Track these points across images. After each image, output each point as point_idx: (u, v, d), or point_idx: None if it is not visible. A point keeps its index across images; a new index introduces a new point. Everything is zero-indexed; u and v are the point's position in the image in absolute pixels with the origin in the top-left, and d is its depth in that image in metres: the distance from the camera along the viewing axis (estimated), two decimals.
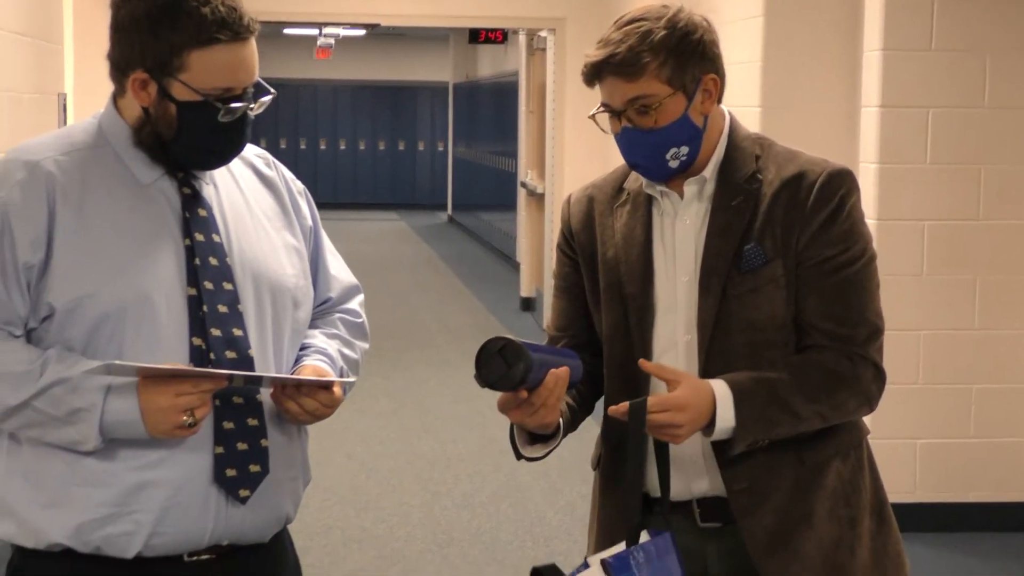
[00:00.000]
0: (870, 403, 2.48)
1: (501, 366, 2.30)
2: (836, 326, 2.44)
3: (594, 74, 2.43)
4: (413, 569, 5.58)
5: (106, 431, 2.25)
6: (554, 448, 2.49)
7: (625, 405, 2.34)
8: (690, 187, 2.50)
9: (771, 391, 2.40)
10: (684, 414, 2.34)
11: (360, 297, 2.64)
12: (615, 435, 2.53)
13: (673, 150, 2.44)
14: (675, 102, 2.42)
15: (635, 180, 2.56)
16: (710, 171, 2.50)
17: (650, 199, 2.54)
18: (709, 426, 2.38)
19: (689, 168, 2.49)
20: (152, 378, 2.24)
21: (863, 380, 2.45)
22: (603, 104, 2.46)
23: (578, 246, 2.60)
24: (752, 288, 2.44)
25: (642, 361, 2.42)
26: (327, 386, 2.36)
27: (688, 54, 2.42)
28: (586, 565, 2.31)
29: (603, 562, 2.33)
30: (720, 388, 2.38)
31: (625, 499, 2.38)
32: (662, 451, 2.42)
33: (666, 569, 2.34)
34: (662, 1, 2.50)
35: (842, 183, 2.46)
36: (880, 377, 2.48)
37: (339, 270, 2.61)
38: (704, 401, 2.36)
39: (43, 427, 2.27)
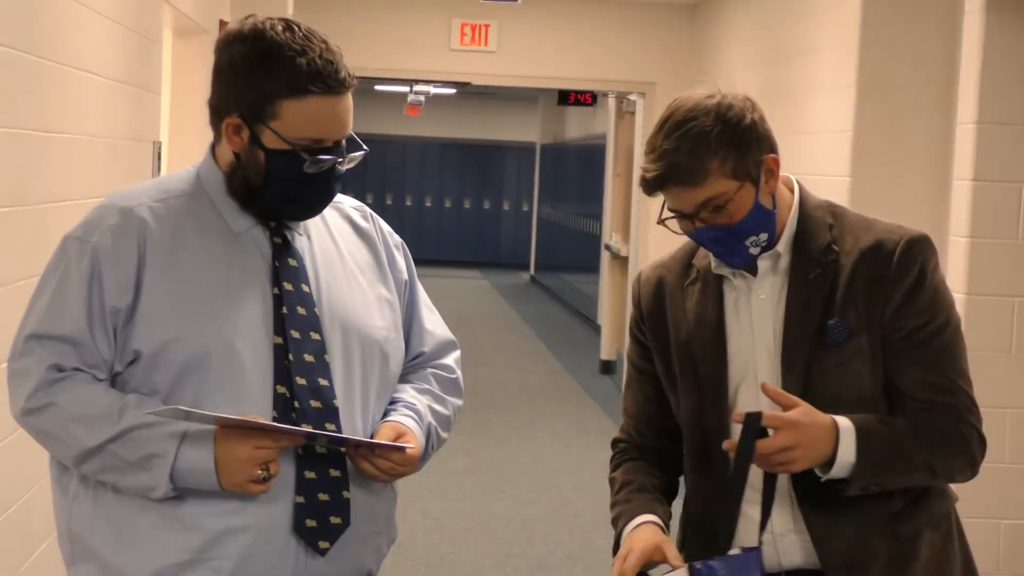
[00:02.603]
0: (974, 467, 2.46)
1: None
2: (936, 395, 2.41)
3: (656, 186, 2.38)
4: None
5: (177, 479, 2.26)
6: None
7: (735, 439, 2.33)
8: (764, 262, 2.47)
9: (892, 433, 2.38)
10: (796, 433, 2.31)
11: (456, 353, 2.62)
12: (699, 519, 2.51)
13: (752, 238, 2.41)
14: (745, 193, 2.38)
15: (704, 257, 2.53)
16: (783, 245, 2.47)
17: (720, 276, 2.51)
18: (828, 464, 2.35)
19: (770, 248, 2.46)
20: (231, 428, 2.24)
21: (971, 443, 2.43)
22: (671, 210, 2.42)
23: (649, 329, 2.58)
24: (838, 363, 2.41)
25: (763, 383, 2.39)
26: (401, 447, 2.35)
27: (746, 143, 2.37)
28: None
29: (691, 566, 2.36)
30: (843, 422, 2.35)
31: (723, 507, 2.37)
32: (768, 485, 2.40)
33: None
34: (701, 90, 2.43)
35: (921, 250, 2.43)
36: (983, 443, 2.45)
37: (435, 325, 2.60)
38: (822, 428, 2.33)
39: (118, 472, 2.28)
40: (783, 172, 2.48)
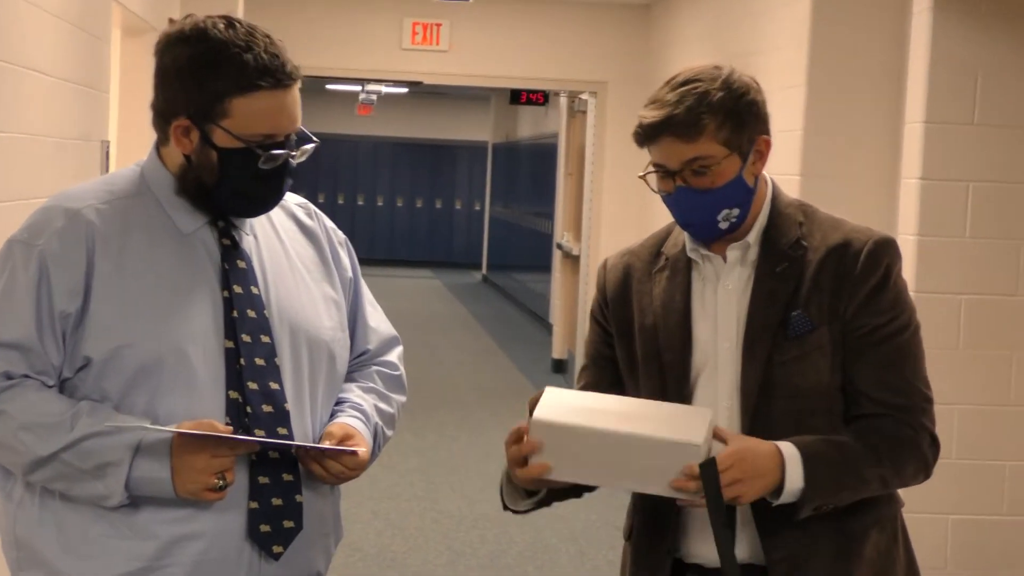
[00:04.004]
0: (927, 470, 2.49)
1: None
2: (891, 395, 2.44)
3: (651, 135, 2.41)
4: None
5: (132, 488, 2.24)
6: (538, 503, 2.47)
7: (690, 479, 2.30)
8: (733, 252, 2.50)
9: (839, 453, 2.39)
10: (742, 466, 2.31)
11: (399, 349, 2.62)
12: (648, 504, 2.51)
13: (725, 211, 2.44)
14: (731, 163, 2.42)
15: (673, 245, 2.56)
16: (754, 236, 2.50)
17: (689, 264, 2.53)
18: (777, 491, 2.36)
19: (737, 230, 2.48)
20: (188, 438, 2.23)
21: (922, 447, 2.46)
22: (655, 165, 2.45)
23: (612, 315, 2.59)
24: (798, 355, 2.43)
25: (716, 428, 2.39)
26: (352, 451, 2.35)
27: (744, 115, 2.42)
28: None
29: None
30: (788, 449, 2.36)
31: (723, 564, 2.36)
32: (729, 516, 2.40)
33: None
34: (711, 62, 2.49)
35: (887, 251, 2.47)
36: (935, 445, 2.49)
37: (378, 322, 2.60)
38: (765, 457, 2.34)
39: (70, 480, 2.26)
40: None
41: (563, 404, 2.36)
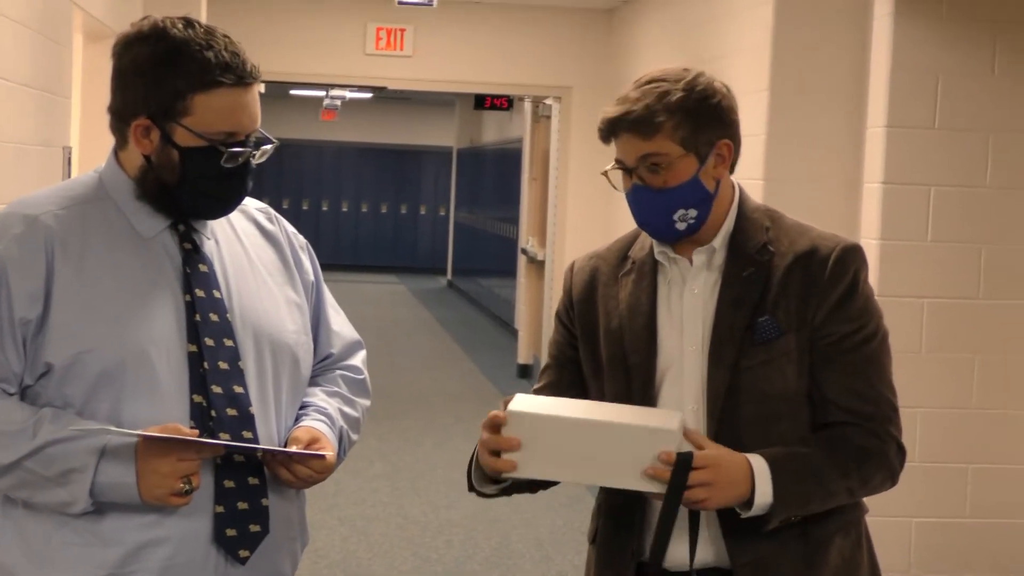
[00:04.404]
0: (893, 478, 2.50)
1: None
2: (860, 403, 2.45)
3: (610, 130, 2.45)
4: None
5: (97, 493, 2.23)
6: (503, 490, 2.48)
7: (665, 465, 2.31)
8: (699, 256, 2.51)
9: (806, 465, 2.40)
10: (715, 470, 2.32)
11: (362, 353, 2.62)
12: (615, 506, 2.51)
13: (681, 211, 2.45)
14: (686, 163, 2.43)
15: (640, 249, 2.57)
16: (720, 241, 2.51)
17: (655, 268, 2.54)
18: (746, 504, 2.36)
19: (697, 232, 2.49)
20: (154, 442, 2.22)
21: (889, 456, 2.47)
22: (616, 160, 2.48)
23: (577, 317, 2.59)
24: (765, 360, 2.44)
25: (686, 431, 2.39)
26: (320, 455, 2.34)
27: (704, 117, 2.44)
28: None
29: None
30: (757, 462, 2.37)
31: (653, 550, 2.37)
32: (693, 521, 2.41)
33: None
34: (683, 64, 2.51)
35: (855, 258, 2.48)
36: (902, 452, 2.50)
37: (341, 326, 2.60)
38: (738, 467, 2.35)
39: (33, 488, 2.24)
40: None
41: (537, 402, 2.41)
